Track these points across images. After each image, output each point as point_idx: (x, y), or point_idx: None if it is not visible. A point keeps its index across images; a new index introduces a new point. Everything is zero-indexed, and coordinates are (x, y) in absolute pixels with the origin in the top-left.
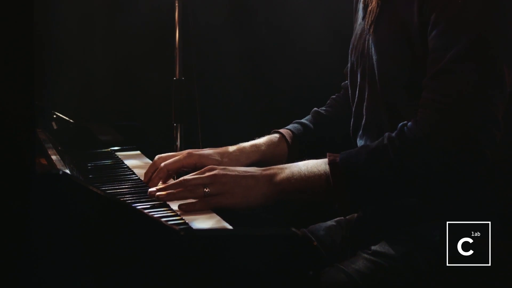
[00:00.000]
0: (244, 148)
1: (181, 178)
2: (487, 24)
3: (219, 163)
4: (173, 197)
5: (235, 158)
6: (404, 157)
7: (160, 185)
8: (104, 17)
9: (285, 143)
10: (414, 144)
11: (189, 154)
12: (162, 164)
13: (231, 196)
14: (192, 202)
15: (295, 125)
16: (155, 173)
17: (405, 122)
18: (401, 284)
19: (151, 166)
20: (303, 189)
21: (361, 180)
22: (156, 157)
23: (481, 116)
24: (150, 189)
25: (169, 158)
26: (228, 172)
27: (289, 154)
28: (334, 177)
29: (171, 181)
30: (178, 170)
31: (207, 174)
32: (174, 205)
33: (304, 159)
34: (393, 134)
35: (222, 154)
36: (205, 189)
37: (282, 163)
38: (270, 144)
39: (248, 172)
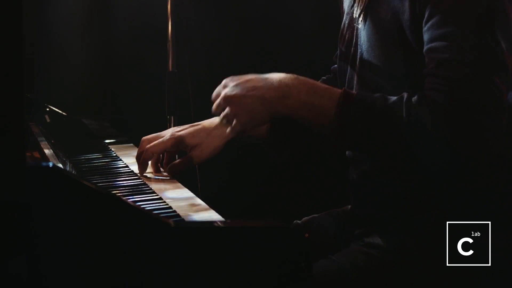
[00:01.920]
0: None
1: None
2: (486, 12)
3: (201, 140)
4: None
5: (216, 134)
6: (413, 125)
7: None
8: (97, 9)
9: None
10: (432, 110)
11: (172, 137)
12: (146, 147)
13: (239, 117)
14: (231, 129)
15: None
16: (142, 157)
17: (425, 93)
18: (394, 275)
19: (138, 149)
20: (314, 105)
21: (366, 122)
22: (142, 139)
23: (488, 103)
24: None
25: (153, 139)
26: (236, 93)
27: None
28: (343, 105)
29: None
30: (162, 152)
31: (222, 95)
32: (168, 199)
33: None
34: (413, 99)
35: (203, 131)
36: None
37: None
38: None
39: (255, 89)
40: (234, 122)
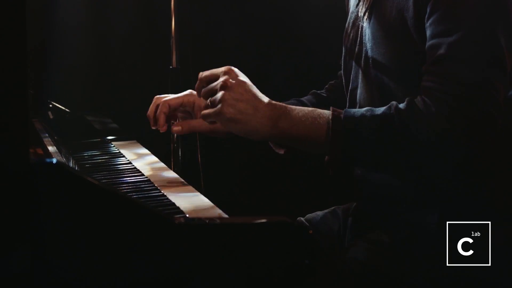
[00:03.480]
0: None
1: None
2: (487, 9)
3: None
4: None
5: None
6: (409, 128)
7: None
8: (100, 5)
9: None
10: (421, 118)
11: (190, 93)
12: (164, 99)
13: (235, 122)
14: (207, 112)
15: (293, 101)
16: (159, 108)
17: (413, 97)
18: (398, 272)
19: (152, 105)
20: (303, 137)
21: (360, 141)
22: (155, 97)
23: (483, 102)
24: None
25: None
26: (237, 94)
27: None
28: (334, 132)
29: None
30: (178, 106)
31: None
32: (171, 196)
33: None
34: (401, 105)
35: None
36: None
37: None
38: None
39: (256, 99)
40: (220, 108)
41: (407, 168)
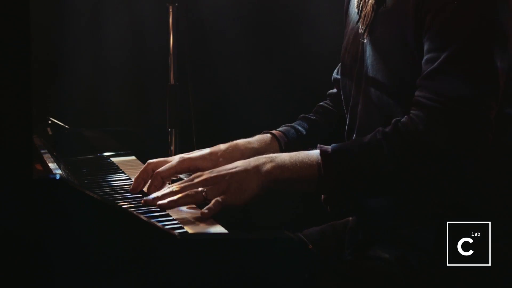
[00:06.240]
0: (237, 145)
1: (171, 187)
2: (482, 26)
3: (213, 163)
4: (174, 204)
5: (229, 156)
6: (399, 151)
7: (155, 194)
8: (97, 23)
9: (277, 143)
10: (408, 140)
11: (181, 160)
12: (156, 172)
13: (230, 195)
14: (210, 207)
15: (287, 128)
16: (150, 182)
17: (399, 118)
18: (396, 287)
19: (142, 172)
20: (295, 178)
21: (353, 171)
22: (147, 162)
23: (473, 117)
24: (145, 198)
25: (160, 164)
26: (218, 173)
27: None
28: (326, 167)
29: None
30: (171, 176)
31: (196, 180)
32: (170, 211)
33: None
34: (387, 129)
35: (214, 154)
36: (203, 193)
37: None
38: (262, 143)
39: (237, 167)
40: (222, 197)
41: (400, 187)
